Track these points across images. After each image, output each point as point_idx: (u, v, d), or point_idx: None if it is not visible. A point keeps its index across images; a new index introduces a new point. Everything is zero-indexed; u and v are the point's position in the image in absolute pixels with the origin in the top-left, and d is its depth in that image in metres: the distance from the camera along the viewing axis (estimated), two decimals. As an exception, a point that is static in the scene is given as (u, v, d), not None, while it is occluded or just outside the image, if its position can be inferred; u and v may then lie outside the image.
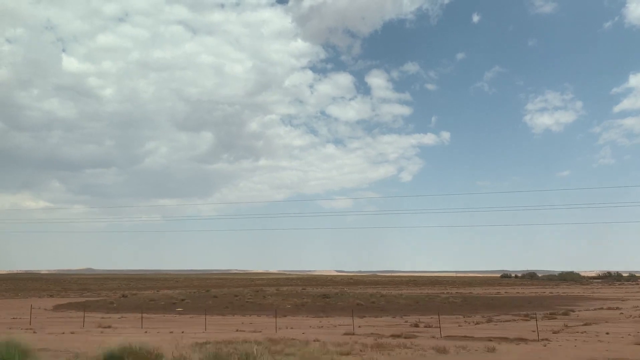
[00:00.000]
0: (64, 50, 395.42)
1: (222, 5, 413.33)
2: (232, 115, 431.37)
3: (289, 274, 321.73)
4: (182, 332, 27.02)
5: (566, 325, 30.87)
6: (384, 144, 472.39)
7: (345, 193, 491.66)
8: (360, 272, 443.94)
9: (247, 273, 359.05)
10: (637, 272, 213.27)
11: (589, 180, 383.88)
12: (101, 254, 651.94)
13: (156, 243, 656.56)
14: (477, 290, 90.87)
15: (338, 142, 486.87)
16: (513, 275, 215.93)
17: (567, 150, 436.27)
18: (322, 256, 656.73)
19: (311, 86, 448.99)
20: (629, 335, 25.65)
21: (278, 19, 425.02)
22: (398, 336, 24.71)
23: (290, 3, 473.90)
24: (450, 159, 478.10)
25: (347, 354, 18.45)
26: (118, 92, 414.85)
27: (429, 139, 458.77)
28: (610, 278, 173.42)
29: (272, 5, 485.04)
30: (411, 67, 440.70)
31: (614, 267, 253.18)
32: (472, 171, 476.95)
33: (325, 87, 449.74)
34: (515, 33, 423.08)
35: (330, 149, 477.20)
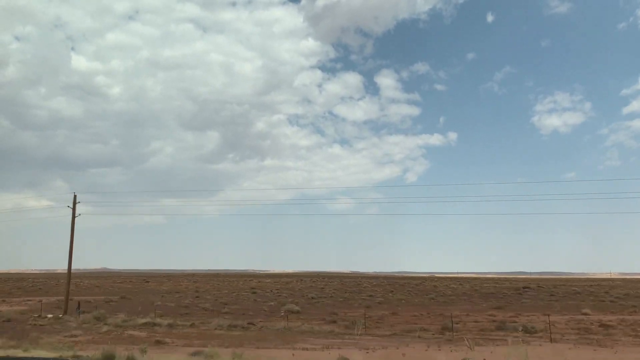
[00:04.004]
0: (73, 49, 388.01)
1: (234, 4, 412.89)
2: (239, 115, 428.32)
3: (315, 274, 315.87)
4: None
5: None
6: (390, 144, 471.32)
7: (350, 193, 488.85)
8: (375, 272, 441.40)
9: (268, 273, 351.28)
10: None
11: (594, 181, 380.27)
12: (113, 253, 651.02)
13: (164, 242, 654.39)
14: None
15: (344, 142, 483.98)
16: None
17: (573, 152, 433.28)
18: (332, 257, 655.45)
19: (320, 86, 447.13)
20: None
21: (290, 17, 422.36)
22: None
23: (302, 2, 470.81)
24: (456, 160, 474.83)
25: None
26: (125, 91, 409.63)
27: (435, 139, 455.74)
28: None
29: (283, 3, 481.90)
30: (421, 67, 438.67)
31: None
32: (478, 172, 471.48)
33: (334, 87, 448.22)
34: (528, 33, 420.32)
35: (337, 149, 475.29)
